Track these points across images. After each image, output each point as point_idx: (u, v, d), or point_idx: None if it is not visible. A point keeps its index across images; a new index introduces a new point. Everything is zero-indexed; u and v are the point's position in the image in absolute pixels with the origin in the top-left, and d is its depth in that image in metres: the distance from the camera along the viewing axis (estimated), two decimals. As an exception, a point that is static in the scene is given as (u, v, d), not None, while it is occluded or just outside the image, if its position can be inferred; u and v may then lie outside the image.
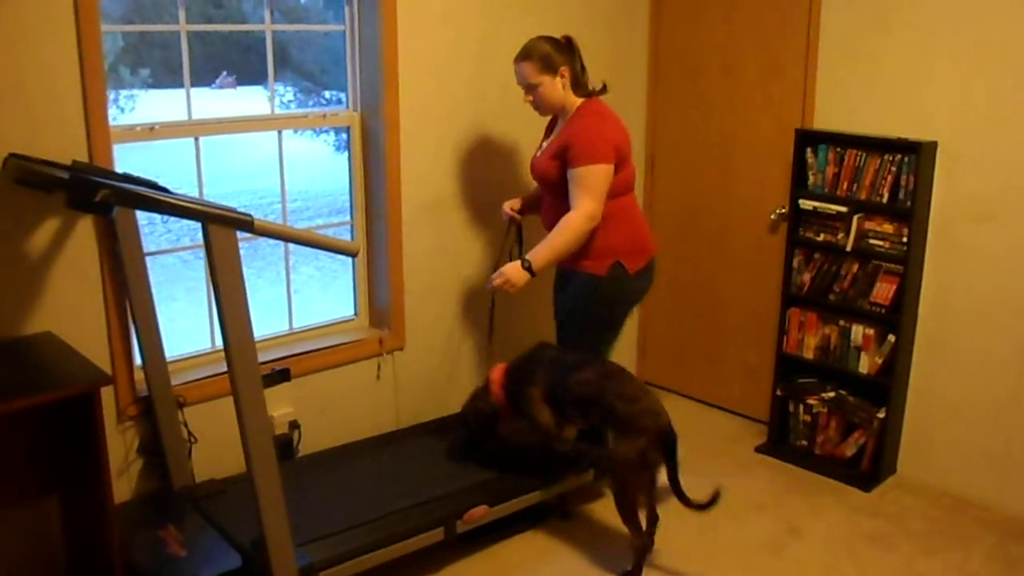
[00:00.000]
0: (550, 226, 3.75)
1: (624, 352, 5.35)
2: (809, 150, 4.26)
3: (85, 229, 3.28)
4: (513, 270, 3.66)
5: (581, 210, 3.64)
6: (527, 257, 3.67)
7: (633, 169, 3.85)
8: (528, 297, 4.04)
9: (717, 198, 4.84)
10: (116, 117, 3.39)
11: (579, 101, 3.78)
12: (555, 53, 3.72)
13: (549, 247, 3.68)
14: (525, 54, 3.74)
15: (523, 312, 4.53)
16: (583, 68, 3.81)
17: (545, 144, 3.90)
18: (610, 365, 3.69)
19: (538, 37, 3.76)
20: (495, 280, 3.70)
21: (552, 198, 3.83)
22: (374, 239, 4.19)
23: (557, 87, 3.74)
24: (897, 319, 4.06)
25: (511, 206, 4.10)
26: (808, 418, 4.44)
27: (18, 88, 3.06)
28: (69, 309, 3.28)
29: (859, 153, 4.10)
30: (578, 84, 3.79)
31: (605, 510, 3.99)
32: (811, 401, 4.41)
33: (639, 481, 3.51)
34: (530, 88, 3.76)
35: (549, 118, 3.98)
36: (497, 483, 3.68)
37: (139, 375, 3.50)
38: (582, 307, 3.86)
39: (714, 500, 3.46)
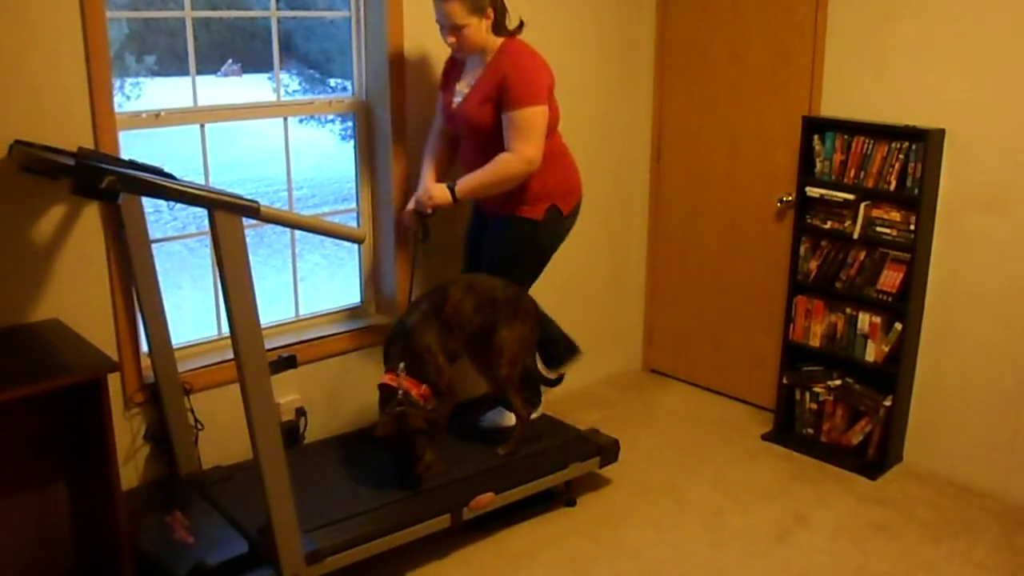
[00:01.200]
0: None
1: (630, 339, 5.35)
2: (816, 137, 4.25)
3: (91, 216, 3.28)
4: (437, 189, 3.69)
5: (520, 153, 3.59)
6: (452, 182, 3.68)
7: (557, 106, 3.79)
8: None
9: (724, 186, 4.82)
10: (122, 104, 3.39)
11: (498, 41, 3.67)
12: None
13: (477, 180, 3.66)
14: None
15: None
16: (504, 7, 3.69)
17: (463, 89, 3.76)
18: (462, 279, 3.81)
19: None
20: (418, 194, 3.74)
21: (479, 145, 3.74)
22: (380, 226, 4.19)
23: (482, 29, 3.60)
24: (904, 307, 4.05)
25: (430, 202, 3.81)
26: (814, 406, 4.44)
27: (24, 75, 3.05)
28: (76, 296, 3.29)
29: (866, 140, 4.08)
30: (500, 24, 3.67)
31: (611, 497, 4.00)
32: (817, 389, 4.40)
33: (528, 357, 3.90)
34: (455, 29, 3.57)
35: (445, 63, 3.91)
36: (503, 470, 3.69)
37: (145, 362, 3.51)
38: (520, 252, 3.88)
39: (560, 379, 4.04)
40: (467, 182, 3.67)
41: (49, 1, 3.06)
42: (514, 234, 3.84)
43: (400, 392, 3.47)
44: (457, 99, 3.77)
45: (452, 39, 3.60)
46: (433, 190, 3.71)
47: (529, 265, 3.95)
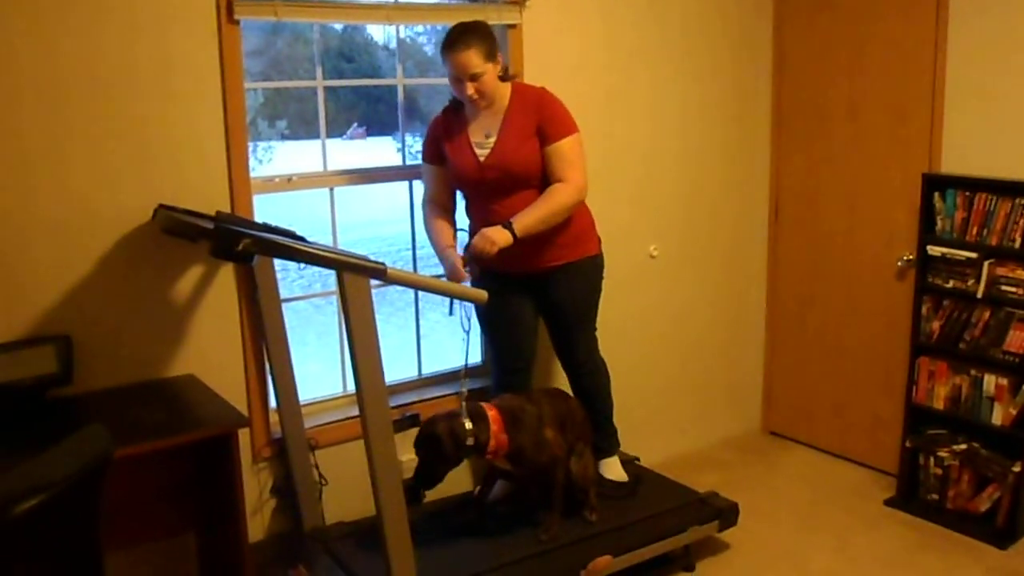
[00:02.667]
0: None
1: (749, 401, 5.30)
2: (937, 195, 4.18)
3: (226, 277, 3.43)
4: (497, 232, 3.48)
5: (573, 183, 3.54)
6: (510, 220, 3.49)
7: None
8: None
9: (843, 245, 4.77)
10: (255, 167, 3.54)
11: (507, 86, 3.59)
12: (491, 37, 3.49)
13: (535, 216, 3.51)
14: (466, 42, 3.41)
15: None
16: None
17: (483, 140, 3.59)
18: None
19: (467, 22, 3.48)
20: (476, 243, 3.50)
21: (514, 195, 3.59)
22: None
23: (495, 74, 3.51)
24: (1033, 369, 3.93)
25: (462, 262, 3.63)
26: (939, 471, 4.31)
27: (168, 143, 3.24)
28: (210, 353, 3.43)
29: (989, 197, 4.00)
30: (505, 69, 3.61)
31: (731, 562, 3.94)
32: (942, 453, 4.28)
33: None
34: (474, 79, 3.44)
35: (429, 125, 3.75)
36: (622, 532, 3.67)
37: (273, 417, 3.61)
38: (592, 291, 3.86)
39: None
40: (525, 218, 3.50)
41: (193, 73, 3.25)
42: (588, 277, 3.81)
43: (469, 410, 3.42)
44: (483, 151, 3.59)
45: (472, 90, 3.46)
46: (492, 233, 3.48)
47: (596, 303, 3.92)
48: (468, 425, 3.37)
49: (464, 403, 3.42)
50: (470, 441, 3.37)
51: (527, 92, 3.61)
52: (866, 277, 4.69)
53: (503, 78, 3.57)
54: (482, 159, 3.57)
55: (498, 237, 3.46)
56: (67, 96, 3.05)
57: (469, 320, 3.59)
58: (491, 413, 3.45)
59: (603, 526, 3.68)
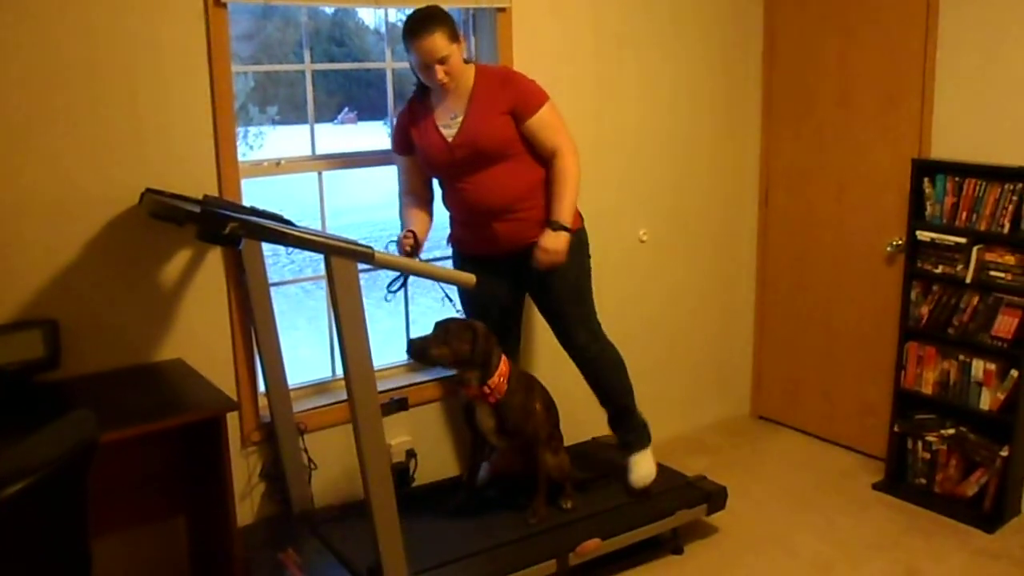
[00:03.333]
0: (503, 205, 3.55)
1: (738, 385, 5.31)
2: (926, 180, 4.19)
3: (214, 261, 3.43)
4: (553, 240, 3.50)
5: (570, 149, 3.54)
6: (552, 219, 3.52)
7: None
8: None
9: (832, 230, 4.78)
10: (246, 153, 3.53)
11: (471, 67, 3.55)
12: (451, 19, 3.43)
13: (569, 199, 3.53)
14: (430, 26, 3.34)
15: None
16: None
17: (451, 120, 3.52)
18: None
19: (425, 8, 3.42)
20: (541, 260, 3.52)
21: (490, 172, 3.53)
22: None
23: (460, 55, 3.45)
24: (1020, 354, 3.94)
25: (408, 244, 3.59)
26: (927, 455, 4.33)
27: (156, 127, 3.24)
28: (198, 337, 3.43)
29: (978, 182, 4.01)
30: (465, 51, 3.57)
31: (719, 545, 3.96)
32: (930, 438, 4.30)
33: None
34: (443, 61, 3.38)
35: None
36: (611, 516, 3.69)
37: (262, 402, 3.62)
38: (577, 267, 3.72)
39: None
40: (561, 209, 3.53)
41: (181, 57, 3.24)
42: (573, 254, 3.63)
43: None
44: (450, 131, 3.52)
45: (441, 74, 3.40)
46: (552, 242, 3.50)
47: (589, 276, 3.80)
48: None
49: None
50: (482, 341, 3.41)
51: (490, 71, 3.59)
52: (855, 262, 4.69)
53: (466, 60, 3.53)
54: (450, 139, 3.52)
55: (559, 244, 3.52)
56: (54, 80, 3.03)
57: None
58: (502, 358, 3.51)
59: (592, 509, 3.69)
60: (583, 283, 3.79)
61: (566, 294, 3.75)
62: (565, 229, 3.52)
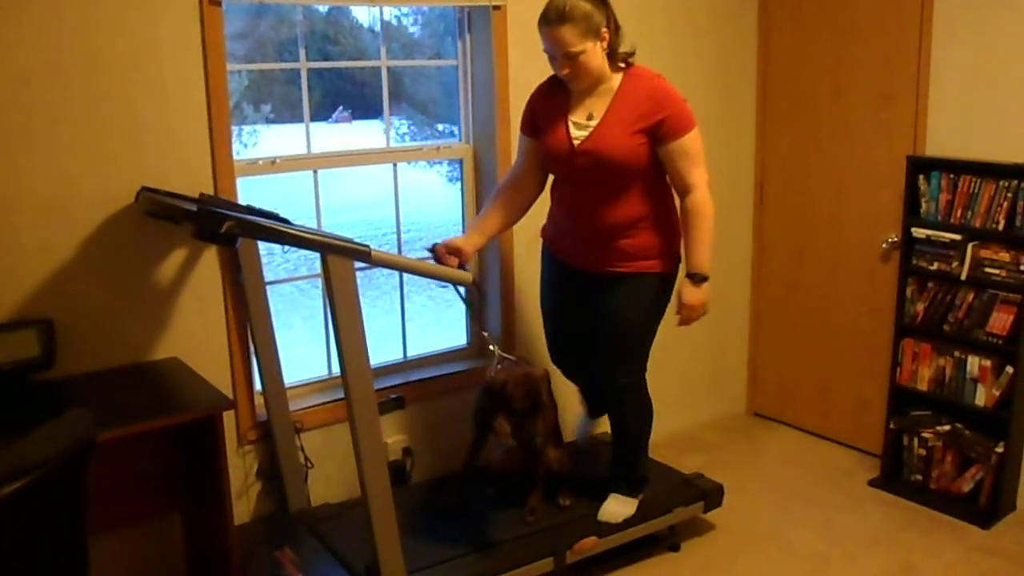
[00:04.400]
0: (604, 226, 3.33)
1: (733, 383, 5.31)
2: (921, 177, 4.19)
3: (210, 259, 3.42)
4: (696, 295, 3.29)
5: (704, 183, 3.25)
6: (694, 270, 3.28)
7: None
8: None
9: (828, 227, 4.78)
10: (240, 152, 3.53)
11: (618, 69, 3.29)
12: (596, 12, 3.14)
13: (708, 245, 3.26)
14: (561, 15, 3.09)
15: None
16: (617, 27, 3.27)
17: (585, 121, 3.30)
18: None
19: None
20: (686, 317, 3.35)
21: (606, 188, 3.30)
22: (486, 269, 4.26)
23: (599, 53, 3.19)
24: (1015, 350, 3.95)
25: (449, 250, 3.31)
26: (923, 452, 4.34)
27: (152, 126, 3.23)
28: (194, 336, 3.42)
29: (973, 179, 4.02)
30: (614, 48, 3.26)
31: (716, 543, 3.96)
32: (926, 434, 4.31)
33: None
34: (568, 57, 3.15)
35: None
36: (606, 512, 3.69)
37: (258, 400, 3.62)
38: (653, 307, 3.48)
39: None
40: (699, 255, 3.27)
41: (176, 55, 3.23)
42: (645, 291, 3.42)
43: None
44: (580, 133, 3.29)
45: (567, 70, 3.19)
46: (695, 296, 3.29)
47: (657, 323, 3.54)
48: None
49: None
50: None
51: (638, 78, 3.29)
52: (851, 259, 4.70)
53: (613, 57, 3.27)
54: (577, 143, 3.28)
55: (702, 298, 3.31)
56: (50, 78, 3.02)
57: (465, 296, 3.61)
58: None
59: (589, 508, 3.69)
60: (640, 332, 3.53)
61: (615, 338, 3.51)
62: (706, 279, 3.28)
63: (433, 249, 3.33)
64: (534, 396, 3.34)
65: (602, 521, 3.63)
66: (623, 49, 3.32)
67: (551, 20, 3.12)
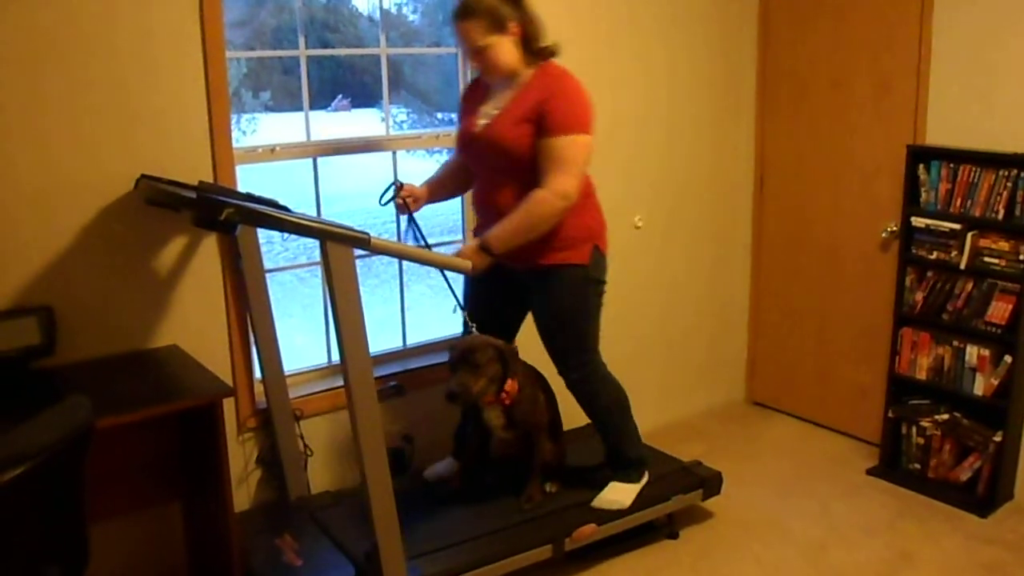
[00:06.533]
0: (499, 212, 3.30)
1: (732, 371, 5.32)
2: (921, 166, 4.19)
3: (209, 247, 3.42)
4: (469, 250, 3.23)
5: (556, 188, 3.16)
6: (484, 240, 3.24)
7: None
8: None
9: (827, 216, 4.78)
10: (239, 139, 3.53)
11: (534, 63, 3.30)
12: (501, 6, 3.18)
13: (512, 228, 3.21)
14: (466, 10, 3.16)
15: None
16: (534, 21, 3.29)
17: (490, 110, 3.34)
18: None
19: None
20: (459, 266, 3.26)
21: (496, 179, 3.35)
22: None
23: (507, 47, 3.21)
24: (1014, 339, 3.95)
25: (410, 193, 3.47)
26: (921, 441, 4.35)
27: (151, 114, 3.22)
28: (194, 323, 3.43)
29: (973, 169, 4.01)
30: (530, 41, 3.26)
31: (715, 530, 3.97)
32: (924, 423, 4.31)
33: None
34: (476, 52, 3.21)
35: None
36: (605, 500, 3.70)
37: (258, 388, 3.62)
38: (580, 305, 3.47)
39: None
40: (499, 232, 3.22)
41: (175, 43, 3.23)
42: (565, 286, 3.43)
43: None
44: (482, 121, 3.36)
45: (475, 63, 3.27)
46: (468, 251, 3.24)
47: (592, 315, 3.53)
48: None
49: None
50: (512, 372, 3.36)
51: (547, 75, 3.30)
52: (850, 248, 4.70)
53: (530, 51, 3.29)
54: (477, 129, 3.37)
55: (478, 261, 3.23)
56: (48, 66, 3.02)
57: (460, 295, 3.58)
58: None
59: (587, 495, 3.70)
60: (577, 323, 3.52)
61: (556, 331, 3.54)
62: (488, 250, 3.24)
63: (400, 186, 3.45)
64: (468, 353, 3.29)
65: (597, 507, 3.63)
66: (544, 44, 3.34)
67: (456, 15, 3.19)
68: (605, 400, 3.68)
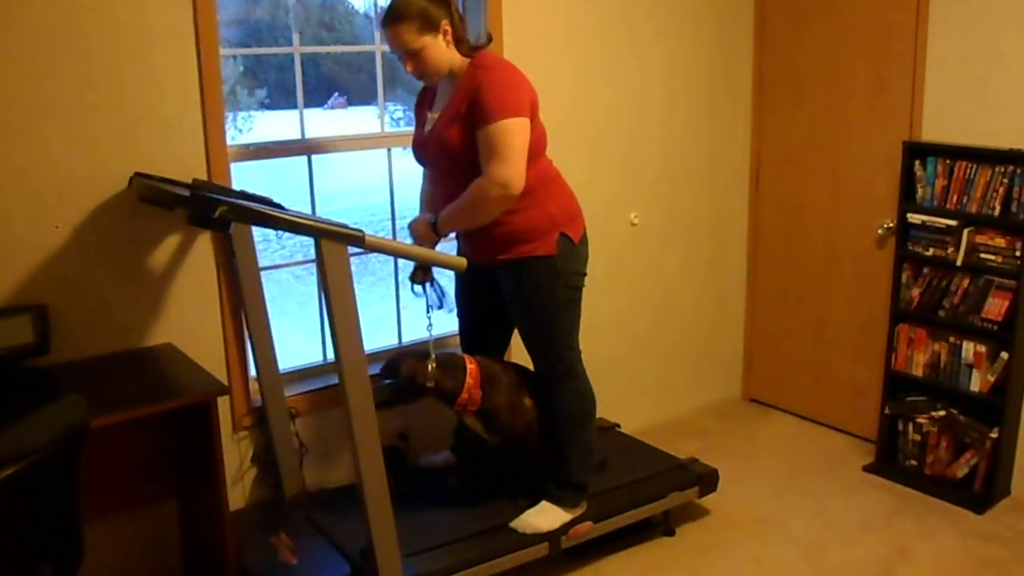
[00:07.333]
0: None
1: (729, 368, 5.32)
2: (917, 163, 4.19)
3: (204, 245, 3.41)
4: (420, 228, 3.33)
5: (492, 177, 3.10)
6: (438, 215, 3.30)
7: (544, 128, 3.34)
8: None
9: (823, 213, 4.78)
10: (235, 137, 3.52)
11: (466, 58, 3.25)
12: (431, 6, 3.13)
13: (455, 212, 3.23)
14: (396, 15, 3.11)
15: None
16: (461, 17, 3.27)
17: (434, 115, 3.33)
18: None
19: None
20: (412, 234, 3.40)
21: (452, 180, 3.27)
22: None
23: (441, 47, 3.17)
24: (1010, 336, 3.95)
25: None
26: (918, 437, 4.35)
27: (144, 112, 3.21)
28: (188, 322, 3.42)
29: (969, 165, 4.01)
30: (460, 38, 3.23)
31: (711, 527, 3.97)
32: (921, 420, 4.31)
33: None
34: (411, 56, 3.16)
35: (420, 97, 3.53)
36: (603, 498, 3.69)
37: (253, 386, 3.61)
38: (550, 298, 3.37)
39: None
40: (445, 214, 3.26)
41: (169, 40, 3.21)
42: (532, 280, 3.35)
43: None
44: (427, 127, 3.35)
45: (410, 67, 3.20)
46: (419, 229, 3.34)
47: (565, 309, 3.42)
48: (431, 367, 3.34)
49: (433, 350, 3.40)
50: (430, 384, 3.35)
51: (478, 68, 3.22)
52: (846, 245, 4.70)
53: (462, 47, 3.25)
54: (424, 136, 3.36)
55: (423, 231, 3.32)
56: (41, 64, 3.00)
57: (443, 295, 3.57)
58: (470, 366, 3.43)
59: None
60: (548, 316, 3.42)
61: (527, 325, 3.49)
62: (435, 228, 3.31)
63: (415, 227, 3.42)
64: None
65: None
66: (478, 38, 3.36)
67: (387, 20, 3.14)
68: (568, 404, 3.53)
